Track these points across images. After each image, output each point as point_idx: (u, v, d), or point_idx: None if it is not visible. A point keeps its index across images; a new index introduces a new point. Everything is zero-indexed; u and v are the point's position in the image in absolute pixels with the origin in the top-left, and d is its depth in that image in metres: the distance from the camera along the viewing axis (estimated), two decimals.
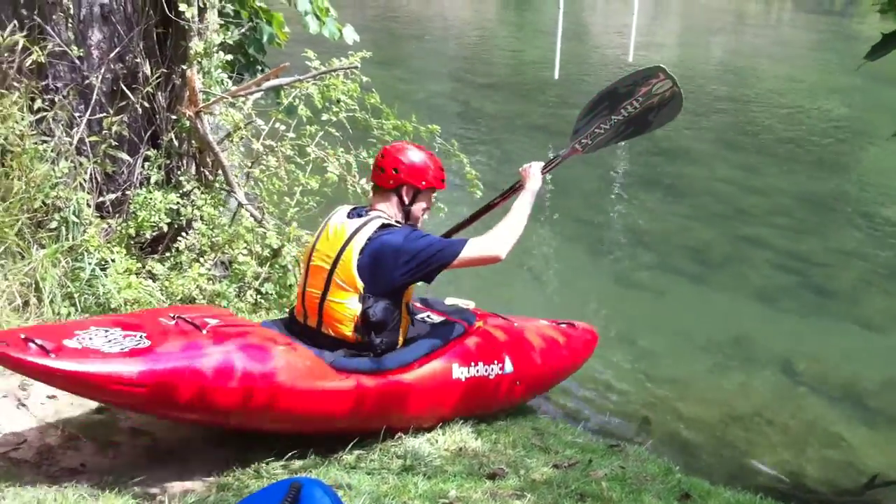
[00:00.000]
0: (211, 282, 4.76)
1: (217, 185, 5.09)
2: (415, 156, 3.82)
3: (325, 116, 5.33)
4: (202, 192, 4.95)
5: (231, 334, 3.40)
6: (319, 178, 5.21)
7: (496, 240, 3.76)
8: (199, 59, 4.86)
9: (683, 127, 12.77)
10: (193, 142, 5.04)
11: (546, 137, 12.17)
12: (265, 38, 5.96)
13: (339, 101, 5.35)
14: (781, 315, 6.84)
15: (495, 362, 4.08)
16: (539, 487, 3.34)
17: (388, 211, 3.79)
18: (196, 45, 4.85)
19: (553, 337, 4.58)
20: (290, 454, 3.47)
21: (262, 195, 5.24)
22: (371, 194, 3.93)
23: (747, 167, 11.07)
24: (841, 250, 8.38)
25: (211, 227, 4.90)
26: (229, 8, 5.46)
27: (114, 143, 4.79)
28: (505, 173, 10.39)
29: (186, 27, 4.86)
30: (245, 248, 4.93)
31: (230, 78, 5.36)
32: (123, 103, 4.86)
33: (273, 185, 5.21)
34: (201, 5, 4.87)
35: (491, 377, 4.04)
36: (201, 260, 4.81)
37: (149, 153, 4.97)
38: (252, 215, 5.05)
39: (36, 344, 2.99)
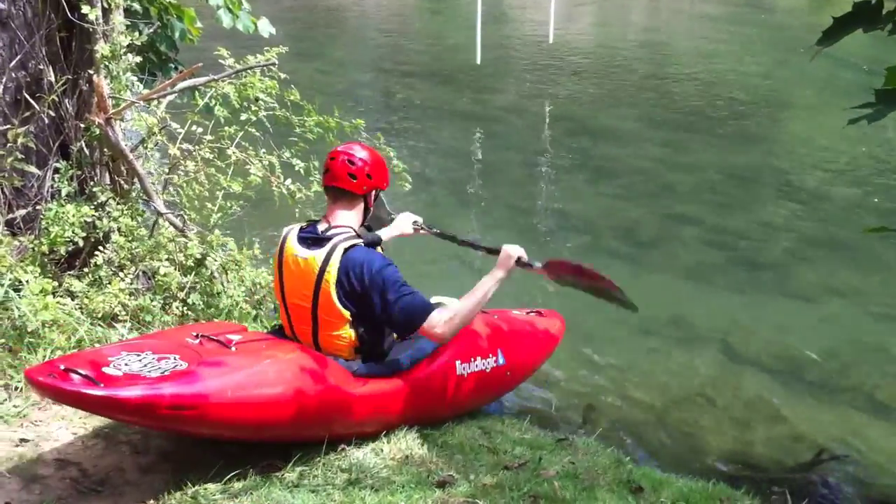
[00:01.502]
0: (133, 296, 4.54)
1: (133, 194, 4.86)
2: (377, 157, 3.75)
3: (244, 116, 5.15)
4: (118, 203, 4.72)
5: (259, 349, 3.48)
6: (242, 180, 5.02)
7: (452, 323, 3.63)
8: (107, 63, 4.63)
9: (607, 106, 12.85)
10: (105, 150, 4.80)
11: (472, 124, 12.09)
12: (177, 35, 5.77)
13: (257, 99, 5.16)
14: (714, 292, 6.86)
15: (490, 356, 4.19)
16: (491, 492, 3.24)
17: (350, 219, 3.68)
18: (102, 48, 4.61)
19: (530, 325, 4.71)
20: (229, 476, 3.30)
21: (182, 202, 5.02)
22: (330, 202, 3.71)
23: (672, 144, 11.15)
24: (768, 223, 8.47)
25: (130, 238, 4.68)
26: (137, 6, 5.24)
27: (20, 155, 4.52)
28: (433, 163, 10.31)
29: (91, 30, 4.62)
30: (167, 258, 4.72)
31: (141, 81, 5.14)
32: (28, 113, 4.62)
33: (193, 190, 5.01)
34: (105, 6, 4.64)
35: (488, 370, 4.15)
36: (122, 274, 4.59)
37: (58, 164, 4.72)
38: (173, 224, 4.84)
39: (79, 374, 2.96)
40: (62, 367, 2.98)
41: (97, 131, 4.63)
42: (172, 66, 5.93)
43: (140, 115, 4.89)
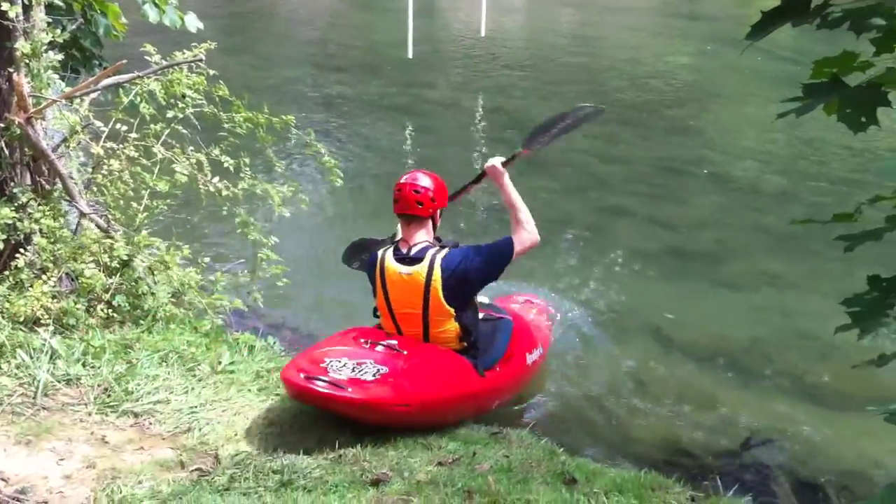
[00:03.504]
0: (56, 299, 4.42)
1: (56, 194, 4.72)
2: (439, 182, 4.36)
3: (170, 114, 5.03)
4: (39, 204, 4.58)
5: (422, 347, 4.24)
6: (168, 179, 4.92)
7: (529, 230, 4.39)
8: (27, 61, 4.49)
9: (539, 98, 12.90)
10: (26, 150, 4.66)
11: (405, 118, 12.06)
12: (101, 31, 5.63)
13: (184, 96, 5.05)
14: (645, 282, 6.94)
15: (539, 345, 5.10)
16: (425, 489, 3.23)
17: (425, 236, 4.29)
18: (22, 45, 4.46)
19: (538, 312, 5.73)
20: (158, 481, 3.23)
21: (107, 202, 4.90)
22: (404, 226, 4.32)
23: (603, 136, 11.24)
24: (699, 213, 8.60)
25: (52, 240, 4.54)
26: (59, 1, 5.09)
27: None
28: (367, 158, 10.26)
29: (10, 27, 4.47)
30: (92, 260, 4.60)
31: (63, 78, 5.01)
32: None
33: (118, 190, 4.89)
34: (26, 2, 4.49)
35: (537, 359, 5.06)
36: (44, 277, 4.46)
37: None
38: (97, 225, 4.72)
39: (322, 381, 3.70)
40: (302, 375, 3.76)
41: (17, 131, 4.49)
42: (97, 62, 5.79)
43: (62, 114, 4.75)
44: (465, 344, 4.33)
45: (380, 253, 4.33)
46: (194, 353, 4.29)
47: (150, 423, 3.74)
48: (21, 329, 4.22)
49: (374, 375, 3.83)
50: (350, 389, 3.67)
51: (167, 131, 5.04)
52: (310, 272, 6.73)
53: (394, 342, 4.15)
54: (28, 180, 4.73)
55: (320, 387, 3.66)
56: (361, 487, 3.25)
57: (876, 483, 4.51)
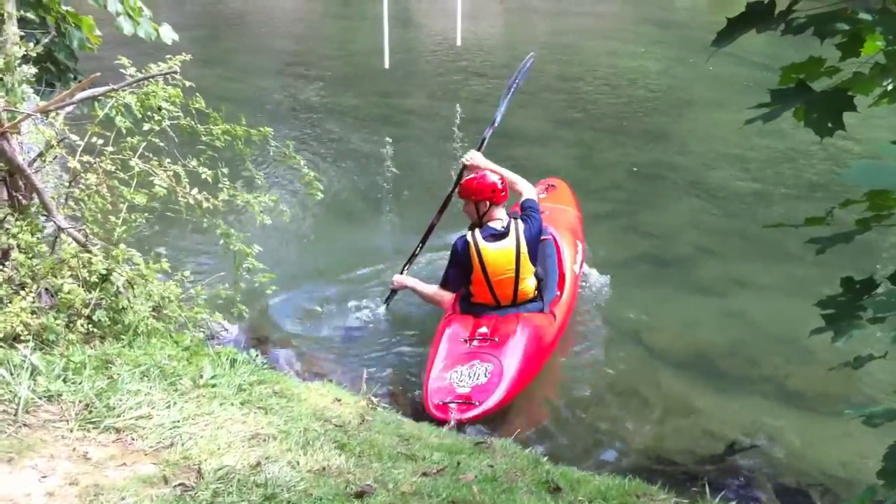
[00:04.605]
0: (36, 315, 4.38)
1: (33, 209, 4.69)
2: (503, 178, 5.79)
3: (147, 126, 5.01)
4: (17, 219, 4.55)
5: (505, 325, 5.45)
6: (147, 192, 4.89)
7: (530, 190, 6.04)
8: (1, 75, 4.46)
9: (516, 106, 12.86)
10: (2, 165, 4.62)
11: (382, 128, 12.07)
12: (75, 44, 5.61)
13: (160, 108, 5.02)
14: (624, 289, 6.97)
15: (579, 247, 6.69)
16: (410, 500, 3.24)
17: (503, 215, 5.72)
18: None
19: (561, 199, 7.47)
20: (140, 498, 3.21)
21: (84, 216, 4.87)
22: (488, 212, 5.70)
23: (579, 143, 11.32)
24: (675, 219, 8.66)
25: (30, 255, 4.51)
26: (32, 15, 5.07)
27: None
28: (344, 169, 10.25)
29: None
30: (71, 274, 4.56)
31: (38, 92, 4.98)
32: None
33: (96, 204, 4.85)
34: None
35: (581, 258, 6.68)
36: (23, 292, 4.42)
37: None
38: (75, 239, 4.69)
39: (455, 403, 4.90)
40: (440, 402, 4.91)
41: None
42: (72, 76, 5.77)
43: (38, 128, 4.72)
44: (537, 288, 5.71)
45: (469, 239, 5.58)
46: (176, 368, 4.26)
47: (133, 439, 3.71)
48: (1, 346, 4.18)
49: (486, 375, 5.06)
50: (477, 402, 4.87)
51: (144, 144, 5.01)
52: (290, 283, 6.72)
53: (484, 329, 5.40)
54: (4, 195, 4.69)
55: (455, 410, 4.83)
56: (346, 500, 3.24)
57: (857, 484, 4.55)
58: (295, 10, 23.59)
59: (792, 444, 4.99)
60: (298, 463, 3.53)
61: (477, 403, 4.82)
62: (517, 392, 5.10)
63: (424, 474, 3.53)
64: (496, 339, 5.27)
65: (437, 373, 5.12)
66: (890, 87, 2.30)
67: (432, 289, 5.88)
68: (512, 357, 5.17)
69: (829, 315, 2.45)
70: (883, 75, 2.18)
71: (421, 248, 6.39)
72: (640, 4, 23.30)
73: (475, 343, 5.28)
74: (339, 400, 4.41)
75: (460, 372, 5.06)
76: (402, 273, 6.27)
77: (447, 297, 5.77)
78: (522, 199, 5.91)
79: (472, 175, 5.82)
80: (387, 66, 12.25)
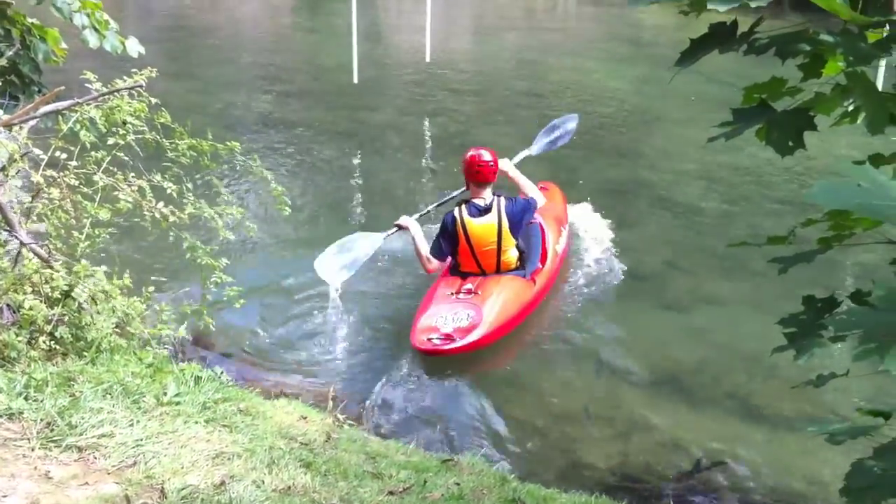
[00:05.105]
0: None
1: None
2: (494, 155, 6.43)
3: (111, 141, 4.96)
4: None
5: (488, 284, 6.26)
6: (111, 207, 4.84)
7: (539, 196, 6.68)
8: None
9: (485, 123, 13.00)
10: None
11: (351, 143, 12.04)
12: (40, 57, 5.56)
13: (125, 122, 4.98)
14: (592, 305, 6.99)
15: (563, 231, 7.54)
16: None
17: (489, 193, 6.37)
18: None
19: (551, 198, 7.95)
20: None
21: (47, 231, 4.80)
22: (475, 189, 6.41)
23: (548, 159, 11.25)
24: (642, 235, 8.70)
25: None
26: None
27: None
28: (313, 183, 10.21)
29: None
30: (33, 290, 4.50)
31: (1, 106, 4.92)
32: None
33: (59, 219, 4.79)
34: None
35: (564, 246, 7.45)
36: None
37: None
38: (37, 255, 4.62)
39: (437, 338, 5.81)
40: (424, 338, 5.79)
41: None
42: (36, 89, 5.71)
43: (1, 142, 4.66)
44: (519, 260, 6.43)
45: (455, 215, 6.27)
46: (139, 385, 4.20)
47: (95, 458, 3.65)
48: None
49: (468, 320, 5.87)
50: (458, 338, 5.73)
51: (108, 158, 4.97)
52: (256, 298, 6.66)
53: (469, 285, 6.21)
54: None
55: (439, 344, 5.71)
56: None
57: (820, 501, 4.58)
58: (264, 23, 23.51)
59: (756, 460, 5.02)
60: (263, 482, 3.50)
61: (457, 339, 5.71)
62: (494, 338, 5.92)
63: (391, 493, 3.51)
64: (479, 293, 6.11)
65: (425, 317, 5.96)
66: (851, 108, 2.33)
67: (425, 248, 6.40)
68: (492, 308, 6.00)
69: (790, 333, 2.47)
70: (844, 96, 2.21)
71: (435, 208, 7.08)
72: (609, 22, 23.49)
73: (461, 296, 6.12)
74: (305, 417, 4.38)
75: (445, 316, 5.92)
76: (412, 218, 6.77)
77: (434, 263, 6.38)
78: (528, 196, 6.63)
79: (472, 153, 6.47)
80: (356, 80, 12.24)
